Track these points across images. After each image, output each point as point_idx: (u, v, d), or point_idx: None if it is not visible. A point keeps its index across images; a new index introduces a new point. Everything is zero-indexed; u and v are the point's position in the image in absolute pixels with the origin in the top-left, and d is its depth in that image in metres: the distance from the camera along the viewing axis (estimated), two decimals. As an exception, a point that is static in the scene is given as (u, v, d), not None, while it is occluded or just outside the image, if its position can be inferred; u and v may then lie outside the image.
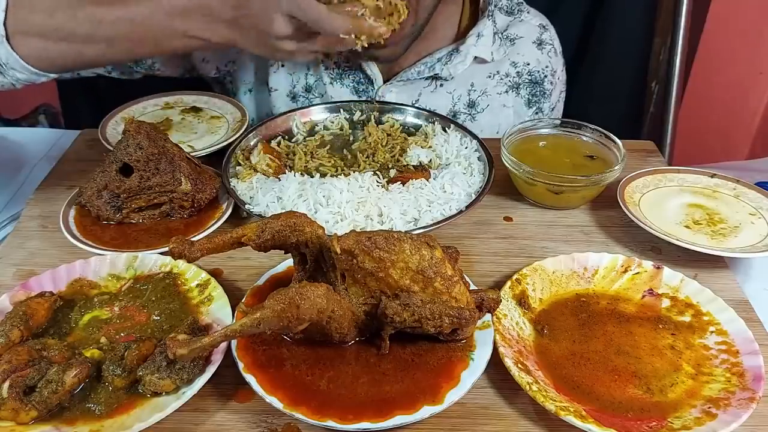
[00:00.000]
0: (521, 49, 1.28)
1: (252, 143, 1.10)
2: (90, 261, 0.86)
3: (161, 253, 0.88)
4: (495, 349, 0.74)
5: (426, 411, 0.67)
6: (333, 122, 1.19)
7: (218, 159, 1.05)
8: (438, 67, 1.21)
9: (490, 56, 1.23)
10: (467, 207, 0.95)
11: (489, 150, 1.07)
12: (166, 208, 0.98)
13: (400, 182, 1.00)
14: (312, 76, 1.26)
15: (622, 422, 0.68)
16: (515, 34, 1.27)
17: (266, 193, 0.97)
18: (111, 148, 1.01)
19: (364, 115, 1.20)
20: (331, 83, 1.25)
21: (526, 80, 1.28)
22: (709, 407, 0.70)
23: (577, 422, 0.66)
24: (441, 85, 1.25)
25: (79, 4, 0.90)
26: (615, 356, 0.77)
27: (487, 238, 0.99)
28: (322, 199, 0.95)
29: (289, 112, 1.18)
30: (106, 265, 0.86)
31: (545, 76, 1.29)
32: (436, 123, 1.16)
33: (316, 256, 0.75)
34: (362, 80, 1.25)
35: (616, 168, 1.01)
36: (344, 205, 0.94)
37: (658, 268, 0.87)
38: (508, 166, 1.03)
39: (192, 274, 0.85)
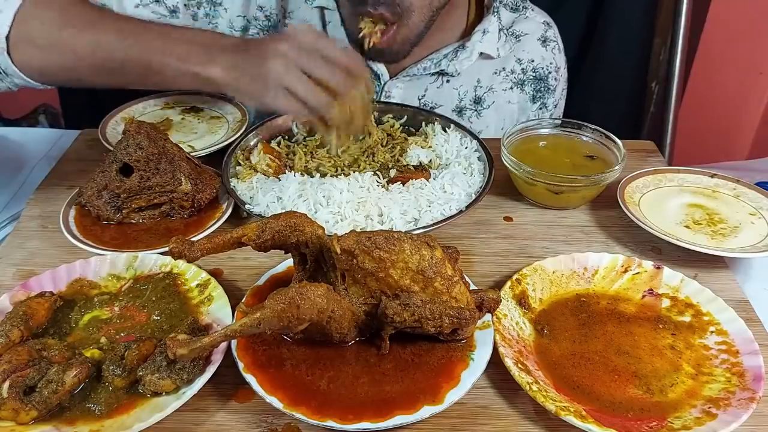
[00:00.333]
0: (526, 45, 1.28)
1: (252, 143, 1.10)
2: (90, 261, 0.86)
3: (161, 253, 0.88)
4: (495, 349, 0.74)
5: (426, 411, 0.67)
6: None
7: (218, 159, 1.05)
8: (444, 63, 1.22)
9: (496, 52, 1.24)
10: (467, 207, 0.95)
11: (489, 150, 1.07)
12: (166, 208, 0.98)
13: (400, 182, 1.00)
14: None
15: (622, 422, 0.68)
16: (520, 30, 1.28)
17: (266, 193, 0.97)
18: (111, 148, 1.01)
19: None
20: None
21: (531, 76, 1.29)
22: (709, 407, 0.70)
23: (577, 422, 0.66)
24: (447, 81, 1.26)
25: (86, 26, 0.90)
26: (615, 356, 0.77)
27: (487, 238, 0.99)
28: (322, 199, 0.95)
29: (290, 112, 1.18)
30: (106, 265, 0.86)
31: (549, 72, 1.30)
32: (436, 123, 1.16)
33: (316, 256, 0.75)
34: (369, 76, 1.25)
35: (616, 168, 1.01)
36: (344, 205, 0.94)
37: (658, 268, 0.87)
38: (508, 166, 1.03)
39: (192, 274, 0.85)
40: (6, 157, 1.30)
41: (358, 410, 0.67)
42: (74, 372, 0.68)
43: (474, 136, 1.11)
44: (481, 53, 1.23)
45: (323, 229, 0.74)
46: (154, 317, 0.80)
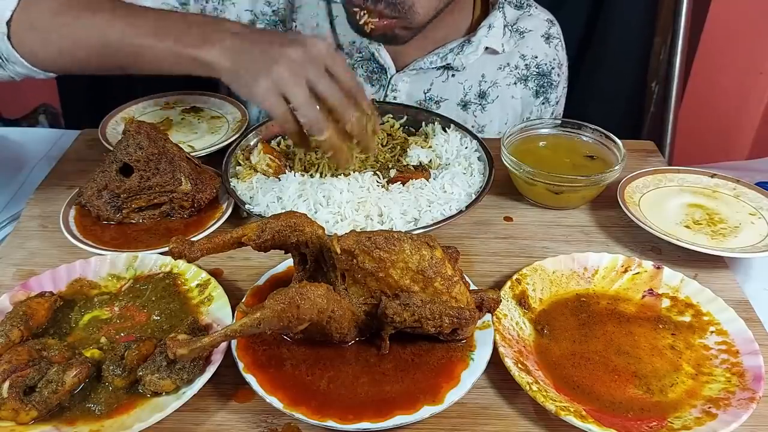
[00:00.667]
0: (530, 42, 1.30)
1: (252, 143, 1.10)
2: (90, 261, 0.86)
3: (161, 253, 0.88)
4: (495, 349, 0.74)
5: (426, 411, 0.67)
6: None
7: (218, 159, 1.05)
8: (450, 57, 1.23)
9: (501, 48, 1.25)
10: (467, 207, 0.95)
11: (489, 150, 1.07)
12: (166, 208, 0.98)
13: (400, 182, 1.00)
14: None
15: (622, 422, 0.68)
16: (524, 27, 1.30)
17: (266, 193, 0.97)
18: (111, 148, 1.01)
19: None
20: None
21: (534, 72, 1.30)
22: (709, 407, 0.70)
23: (577, 422, 0.66)
24: (453, 75, 1.27)
25: (85, 9, 0.89)
26: (615, 356, 0.77)
27: (487, 238, 0.99)
28: (322, 199, 0.95)
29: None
30: (106, 265, 0.86)
31: (552, 69, 1.32)
32: (436, 123, 1.16)
33: (316, 256, 0.75)
34: (375, 69, 1.26)
35: (616, 168, 1.01)
36: (344, 205, 0.94)
37: (658, 268, 0.87)
38: (508, 166, 1.03)
39: (192, 274, 0.85)
40: (6, 157, 1.30)
41: (358, 410, 0.67)
42: (74, 372, 0.68)
43: (474, 136, 1.11)
44: (487, 48, 1.24)
45: (323, 229, 0.74)
46: (154, 317, 0.80)
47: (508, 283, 0.84)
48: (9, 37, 0.89)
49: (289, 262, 0.82)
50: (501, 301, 0.77)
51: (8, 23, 0.88)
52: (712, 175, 1.07)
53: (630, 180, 1.05)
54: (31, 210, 1.03)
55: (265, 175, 1.02)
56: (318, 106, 0.84)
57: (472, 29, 1.26)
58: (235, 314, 0.78)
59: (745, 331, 0.78)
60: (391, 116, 1.19)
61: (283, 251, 0.76)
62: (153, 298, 0.82)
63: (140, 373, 0.69)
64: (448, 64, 1.24)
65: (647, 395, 0.72)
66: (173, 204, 0.98)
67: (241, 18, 1.24)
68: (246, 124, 1.16)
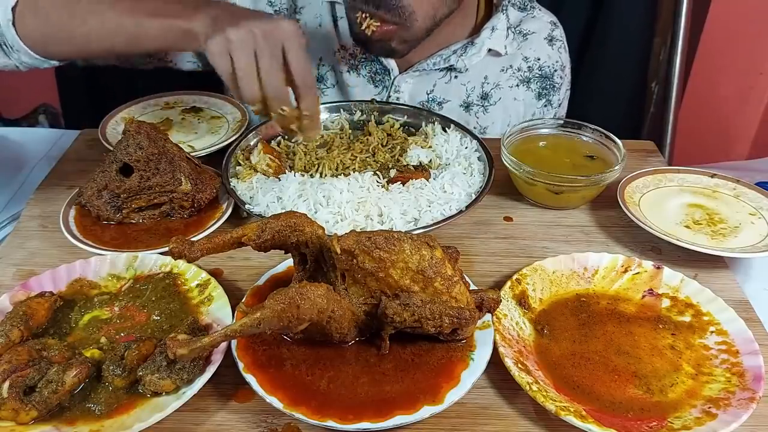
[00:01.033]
0: (533, 44, 1.30)
1: (252, 143, 1.10)
2: (90, 261, 0.86)
3: (161, 253, 0.88)
4: (495, 349, 0.74)
5: (426, 411, 0.67)
6: (333, 122, 1.19)
7: (218, 159, 1.05)
8: (453, 58, 1.23)
9: (504, 49, 1.26)
10: (467, 207, 0.95)
11: (489, 150, 1.07)
12: (166, 208, 0.98)
13: (400, 182, 1.00)
14: (324, 66, 1.28)
15: (622, 422, 0.68)
16: (527, 29, 1.30)
17: (266, 193, 0.97)
18: (111, 148, 1.01)
19: (365, 116, 1.20)
20: (348, 72, 1.26)
21: (537, 74, 1.30)
22: (709, 407, 0.70)
23: (577, 422, 0.66)
24: (455, 77, 1.27)
25: None
26: (615, 356, 0.77)
27: (487, 238, 0.99)
28: (322, 199, 0.95)
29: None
30: (106, 265, 0.86)
31: (555, 71, 1.32)
32: (436, 123, 1.16)
33: (316, 256, 0.75)
34: (379, 70, 1.27)
35: (616, 168, 1.01)
36: (344, 205, 0.94)
37: (658, 268, 0.87)
38: (508, 166, 1.03)
39: (192, 274, 0.85)
40: (6, 157, 1.30)
41: (358, 410, 0.67)
42: (74, 372, 0.68)
43: (474, 136, 1.11)
44: (490, 50, 1.24)
45: (323, 229, 0.74)
46: (154, 317, 0.80)
47: (508, 283, 0.84)
48: (14, 24, 0.89)
49: (289, 262, 0.82)
50: (501, 301, 0.77)
51: (13, 9, 0.89)
52: (712, 175, 1.07)
53: (630, 180, 1.05)
54: (31, 210, 1.03)
55: (265, 175, 1.02)
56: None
57: (476, 31, 1.27)
58: (235, 314, 0.78)
59: (745, 331, 0.78)
60: (391, 116, 1.19)
61: (283, 251, 0.76)
62: (153, 298, 0.82)
63: (140, 373, 0.69)
64: (451, 66, 1.24)
65: (647, 395, 0.72)
66: (173, 204, 0.98)
67: None
68: (246, 124, 1.16)
